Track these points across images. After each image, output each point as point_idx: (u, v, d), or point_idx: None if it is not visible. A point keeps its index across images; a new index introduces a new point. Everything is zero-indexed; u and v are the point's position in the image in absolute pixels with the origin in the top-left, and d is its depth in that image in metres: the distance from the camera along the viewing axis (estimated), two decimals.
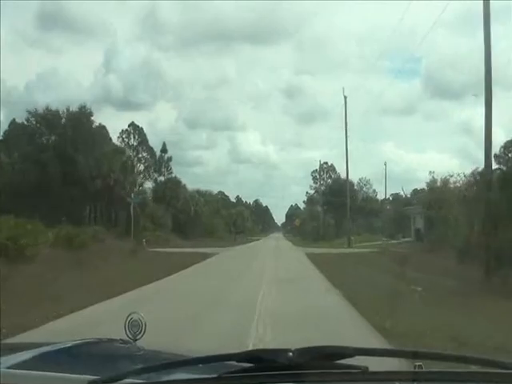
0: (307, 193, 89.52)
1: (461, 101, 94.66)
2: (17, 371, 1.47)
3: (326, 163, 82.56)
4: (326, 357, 1.34)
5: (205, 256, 28.94)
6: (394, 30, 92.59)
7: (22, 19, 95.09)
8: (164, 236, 45.72)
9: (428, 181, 39.99)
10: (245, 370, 1.33)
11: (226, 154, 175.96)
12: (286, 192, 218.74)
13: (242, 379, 1.31)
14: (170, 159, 55.29)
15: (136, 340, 1.81)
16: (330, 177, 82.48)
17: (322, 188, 79.70)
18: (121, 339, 1.90)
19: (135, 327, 1.81)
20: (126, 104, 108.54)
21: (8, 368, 1.48)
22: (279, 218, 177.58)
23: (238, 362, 1.36)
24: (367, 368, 1.32)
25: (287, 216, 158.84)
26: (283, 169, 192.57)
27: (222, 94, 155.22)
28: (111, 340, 2.02)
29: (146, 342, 1.84)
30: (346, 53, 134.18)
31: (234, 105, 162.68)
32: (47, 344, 1.93)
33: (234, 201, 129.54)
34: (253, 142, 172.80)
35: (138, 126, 67.92)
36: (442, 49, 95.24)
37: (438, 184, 38.96)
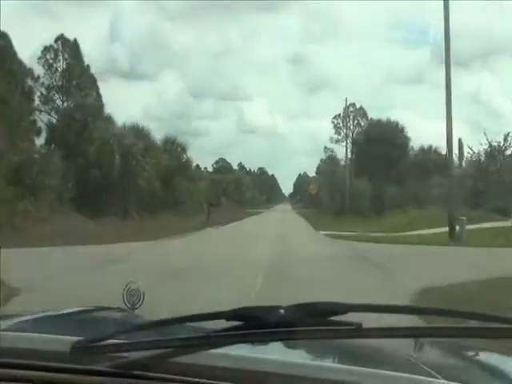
0: (326, 148, 64.39)
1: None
2: (2, 333, 1.40)
3: (354, 105, 57.65)
4: (319, 313, 1.25)
5: None
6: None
7: None
8: (43, 210, 21.42)
9: None
10: (234, 328, 1.25)
11: (232, 125, 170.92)
12: (294, 163, 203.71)
13: (230, 338, 1.25)
14: (87, 68, 30.73)
15: (134, 309, 1.78)
16: (359, 125, 57.56)
17: (350, 139, 54.81)
18: (119, 307, 1.85)
19: (133, 296, 1.79)
20: (131, 74, 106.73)
21: None
22: (286, 189, 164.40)
23: (226, 320, 1.26)
24: (361, 324, 1.24)
25: (295, 186, 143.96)
26: (290, 139, 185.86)
27: (228, 63, 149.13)
28: (108, 308, 1.96)
29: (145, 311, 1.79)
30: (353, 21, 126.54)
31: (241, 74, 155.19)
32: (42, 311, 1.86)
33: (237, 168, 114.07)
34: (259, 112, 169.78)
35: (69, 41, 43.21)
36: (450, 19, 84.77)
37: None
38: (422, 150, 43.12)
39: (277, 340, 1.27)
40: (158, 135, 33.19)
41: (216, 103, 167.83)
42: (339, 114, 57.66)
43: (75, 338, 1.26)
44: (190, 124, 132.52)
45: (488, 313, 1.30)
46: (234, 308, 1.25)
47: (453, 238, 17.91)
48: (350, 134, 55.94)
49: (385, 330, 1.27)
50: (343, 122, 57.52)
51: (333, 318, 1.24)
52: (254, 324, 1.23)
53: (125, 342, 1.25)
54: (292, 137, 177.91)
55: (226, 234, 24.88)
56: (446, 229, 19.06)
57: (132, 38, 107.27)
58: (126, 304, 1.76)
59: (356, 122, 57.59)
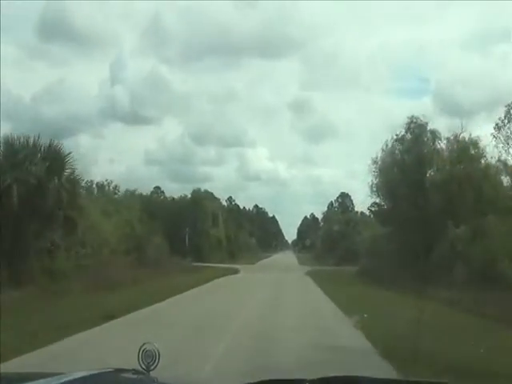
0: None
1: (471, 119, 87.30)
2: None
3: None
4: None
5: None
6: (405, 48, 61.23)
7: (27, 31, 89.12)
8: None
9: None
10: None
11: (234, 171, 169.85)
12: (297, 210, 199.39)
13: None
14: None
15: (149, 371, 1.72)
16: None
17: None
18: (133, 369, 1.80)
19: (149, 357, 1.72)
20: (133, 118, 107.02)
21: None
22: (289, 236, 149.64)
23: None
24: None
25: (300, 230, 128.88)
26: (293, 186, 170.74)
27: (230, 108, 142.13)
28: (124, 370, 1.90)
29: (160, 373, 1.72)
30: (355, 70, 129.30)
31: (243, 120, 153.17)
32: (59, 373, 1.79)
33: (225, 204, 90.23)
34: (262, 159, 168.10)
35: None
36: (453, 68, 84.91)
37: None
38: None
39: None
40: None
41: (218, 149, 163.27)
42: None
43: None
44: (193, 169, 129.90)
45: None
46: (260, 380, 1.21)
47: None
48: None
49: None
50: None
51: None
52: None
53: None
54: (295, 183, 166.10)
55: None
56: None
57: (134, 83, 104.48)
58: (141, 365, 1.68)
59: None
